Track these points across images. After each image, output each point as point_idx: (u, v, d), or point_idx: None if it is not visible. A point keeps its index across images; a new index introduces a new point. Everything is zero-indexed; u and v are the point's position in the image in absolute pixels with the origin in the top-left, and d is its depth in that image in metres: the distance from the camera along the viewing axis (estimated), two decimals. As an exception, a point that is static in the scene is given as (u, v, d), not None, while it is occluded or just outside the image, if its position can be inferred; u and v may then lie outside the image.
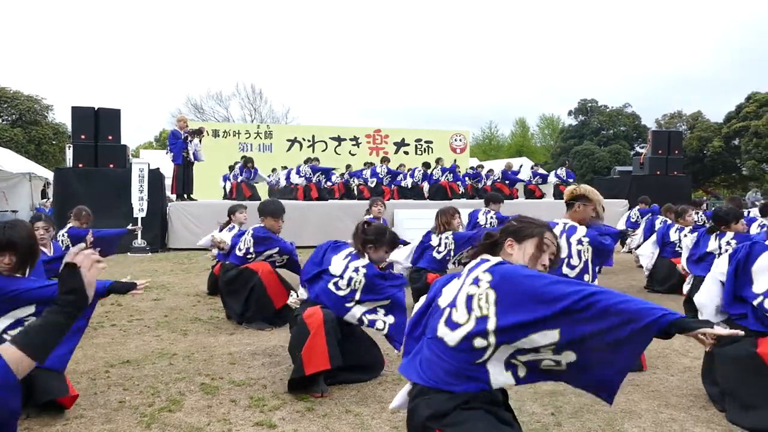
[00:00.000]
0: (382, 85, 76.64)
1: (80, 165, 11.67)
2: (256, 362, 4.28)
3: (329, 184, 15.00)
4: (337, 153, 21.63)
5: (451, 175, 15.42)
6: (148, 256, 10.70)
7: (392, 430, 3.09)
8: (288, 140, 21.94)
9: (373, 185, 15.02)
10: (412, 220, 11.71)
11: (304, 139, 22.04)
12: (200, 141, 12.19)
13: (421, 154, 21.94)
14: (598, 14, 77.50)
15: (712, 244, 5.34)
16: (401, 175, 15.32)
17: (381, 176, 15.20)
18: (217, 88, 55.95)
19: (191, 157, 11.92)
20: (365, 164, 16.63)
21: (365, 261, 3.78)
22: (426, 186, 15.10)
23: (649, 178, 15.73)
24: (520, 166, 19.28)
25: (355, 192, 15.53)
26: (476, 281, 2.04)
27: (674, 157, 16.21)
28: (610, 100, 48.01)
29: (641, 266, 9.01)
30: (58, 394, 3.16)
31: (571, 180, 16.00)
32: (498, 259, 2.12)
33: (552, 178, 16.65)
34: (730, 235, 5.28)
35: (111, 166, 11.72)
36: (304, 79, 71.82)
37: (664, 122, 43.53)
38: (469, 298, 2.01)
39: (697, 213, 8.60)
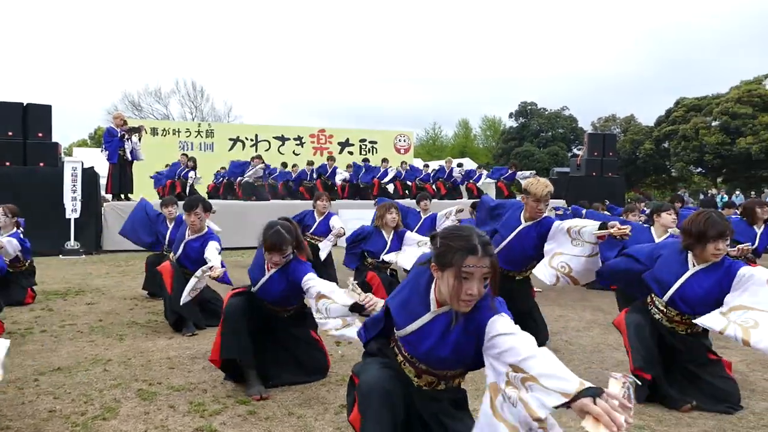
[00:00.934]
0: (326, 85, 76.43)
1: (7, 163, 11.06)
2: (197, 366, 4.18)
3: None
4: (280, 152, 21.43)
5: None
6: (82, 259, 10.29)
7: None
8: (230, 139, 21.59)
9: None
10: (358, 221, 11.72)
11: (247, 138, 21.74)
12: (139, 139, 11.83)
13: (366, 154, 21.97)
14: (537, 20, 79.72)
15: None
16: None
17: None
18: (156, 84, 54.21)
19: (128, 155, 11.54)
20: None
21: None
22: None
23: (585, 179, 16.29)
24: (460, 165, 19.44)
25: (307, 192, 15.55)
26: None
27: (609, 159, 16.84)
28: (548, 103, 49.41)
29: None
30: None
31: (502, 177, 16.31)
32: None
33: (486, 179, 16.93)
34: None
35: (41, 164, 11.19)
36: (247, 77, 70.81)
37: (599, 125, 45.19)
38: None
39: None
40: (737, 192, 28.84)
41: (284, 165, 17.06)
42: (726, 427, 3.17)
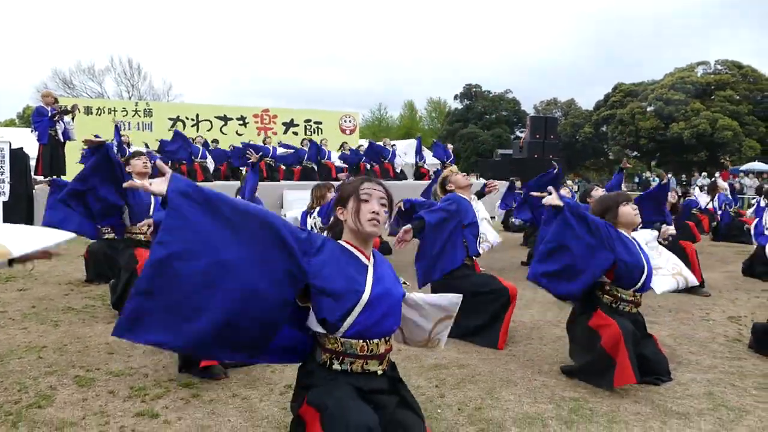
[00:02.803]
0: (270, 64, 74.93)
1: (-73, 143, 10.41)
2: (137, 351, 4.08)
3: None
4: (223, 133, 20.89)
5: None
6: (13, 243, 9.80)
7: (281, 412, 3.07)
8: (170, 119, 20.89)
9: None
10: (302, 201, 11.64)
11: (187, 118, 21.08)
12: (72, 119, 11.34)
13: (311, 134, 21.73)
14: (482, 1, 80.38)
15: None
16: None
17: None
18: (89, 61, 51.19)
19: (60, 136, 11.05)
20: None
21: None
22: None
23: (527, 161, 16.66)
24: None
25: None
26: None
27: (550, 142, 17.28)
28: (492, 86, 50.05)
29: (523, 244, 9.72)
30: None
31: (447, 161, 16.35)
32: None
33: (431, 159, 16.94)
34: None
35: (-35, 144, 10.56)
36: (187, 54, 68.37)
37: (541, 108, 46.24)
38: None
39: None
40: (669, 175, 30.07)
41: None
42: (654, 398, 3.34)
